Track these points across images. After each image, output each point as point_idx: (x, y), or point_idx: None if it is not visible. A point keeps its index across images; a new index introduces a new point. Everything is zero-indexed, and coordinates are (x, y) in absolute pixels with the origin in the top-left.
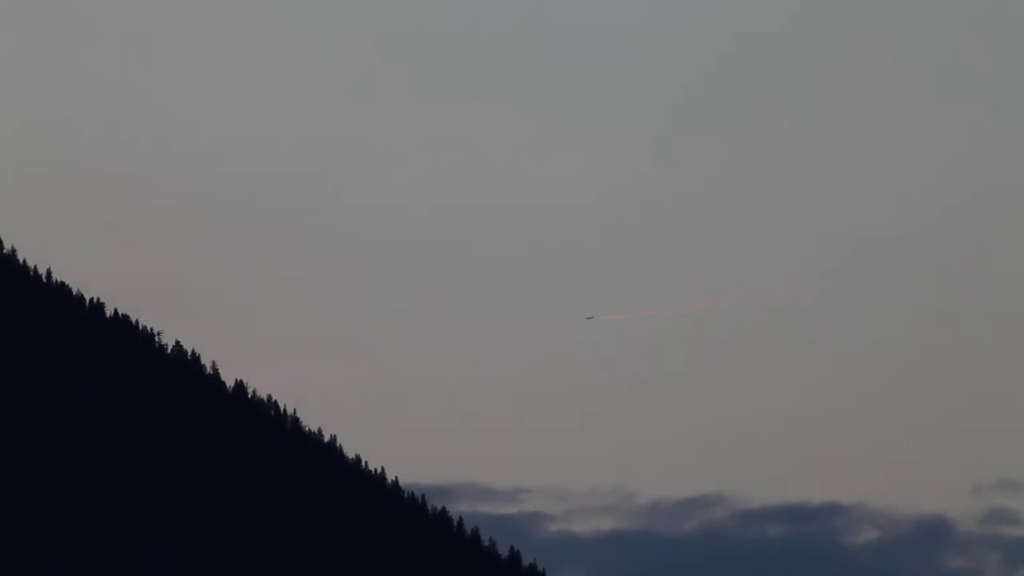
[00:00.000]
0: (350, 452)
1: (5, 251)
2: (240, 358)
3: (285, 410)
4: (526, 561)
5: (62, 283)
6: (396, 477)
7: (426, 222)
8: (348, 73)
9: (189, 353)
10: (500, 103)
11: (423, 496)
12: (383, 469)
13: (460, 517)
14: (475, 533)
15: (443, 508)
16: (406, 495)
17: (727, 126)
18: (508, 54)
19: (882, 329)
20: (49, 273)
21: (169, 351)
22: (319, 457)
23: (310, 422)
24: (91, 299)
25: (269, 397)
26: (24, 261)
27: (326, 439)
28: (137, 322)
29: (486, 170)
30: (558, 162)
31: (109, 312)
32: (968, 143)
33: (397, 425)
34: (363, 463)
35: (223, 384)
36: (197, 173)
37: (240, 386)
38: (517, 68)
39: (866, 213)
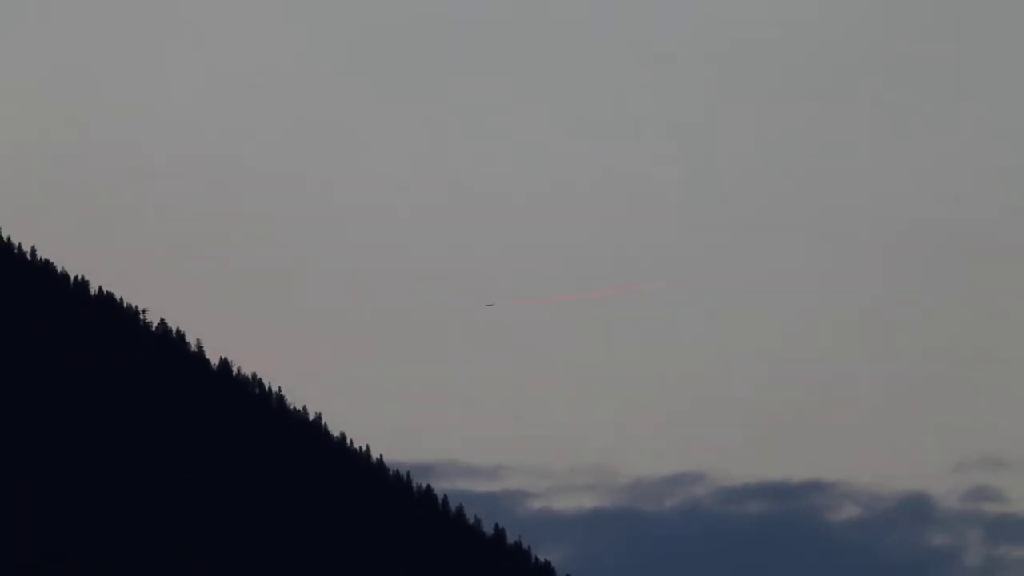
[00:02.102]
0: (335, 430)
1: None
2: (225, 336)
3: (270, 388)
4: (511, 539)
5: (47, 261)
6: (381, 455)
7: (410, 203)
8: (334, 60)
9: (174, 331)
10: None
11: (408, 474)
12: (368, 447)
13: (445, 495)
14: (460, 511)
15: (428, 486)
16: (391, 473)
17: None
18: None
19: (864, 307)
20: (34, 251)
21: (154, 329)
22: (304, 435)
23: (295, 400)
24: (76, 277)
25: (254, 375)
26: (8, 239)
27: (311, 417)
28: (122, 300)
29: (488, 151)
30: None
31: (94, 290)
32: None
33: (377, 403)
34: (348, 441)
35: (208, 362)
36: (183, 154)
37: (225, 364)
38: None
39: (848, 191)
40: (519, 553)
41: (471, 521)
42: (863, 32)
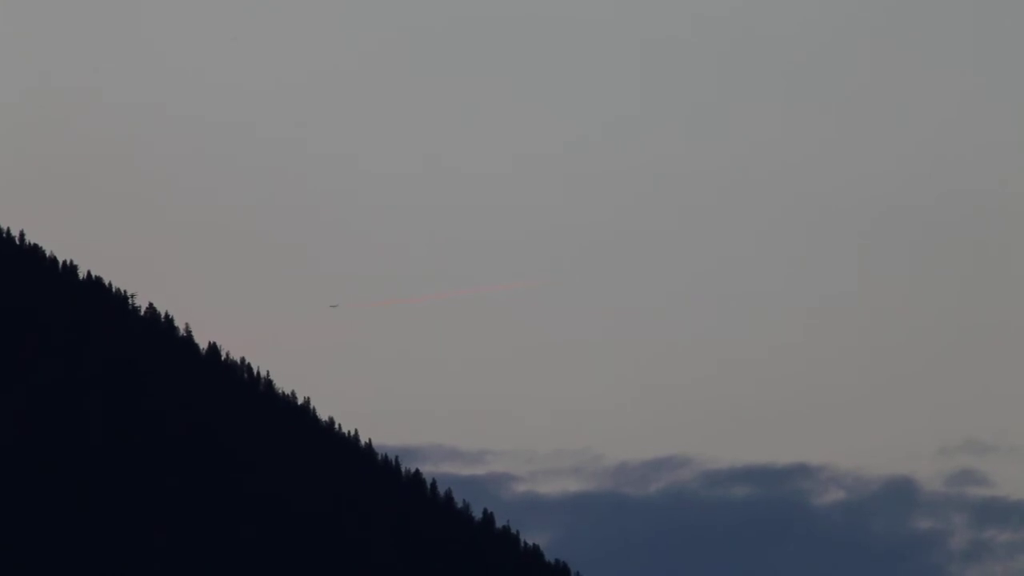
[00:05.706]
0: (324, 414)
1: None
2: (214, 320)
3: (259, 372)
4: (499, 523)
5: (35, 245)
6: (370, 439)
7: (400, 191)
8: (321, 36)
9: (163, 315)
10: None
11: (396, 458)
12: (357, 431)
13: (434, 479)
14: (448, 495)
15: (416, 470)
16: (379, 457)
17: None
18: None
19: (850, 292)
20: (23, 235)
21: (143, 313)
22: (293, 419)
23: (284, 384)
24: (64, 261)
25: (243, 359)
26: None
27: (300, 401)
28: (110, 284)
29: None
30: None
31: (82, 274)
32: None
33: (365, 387)
34: (337, 425)
35: (197, 347)
36: (173, 141)
37: (214, 348)
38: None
39: (829, 178)
40: (508, 537)
41: (459, 505)
42: (833, 21)
